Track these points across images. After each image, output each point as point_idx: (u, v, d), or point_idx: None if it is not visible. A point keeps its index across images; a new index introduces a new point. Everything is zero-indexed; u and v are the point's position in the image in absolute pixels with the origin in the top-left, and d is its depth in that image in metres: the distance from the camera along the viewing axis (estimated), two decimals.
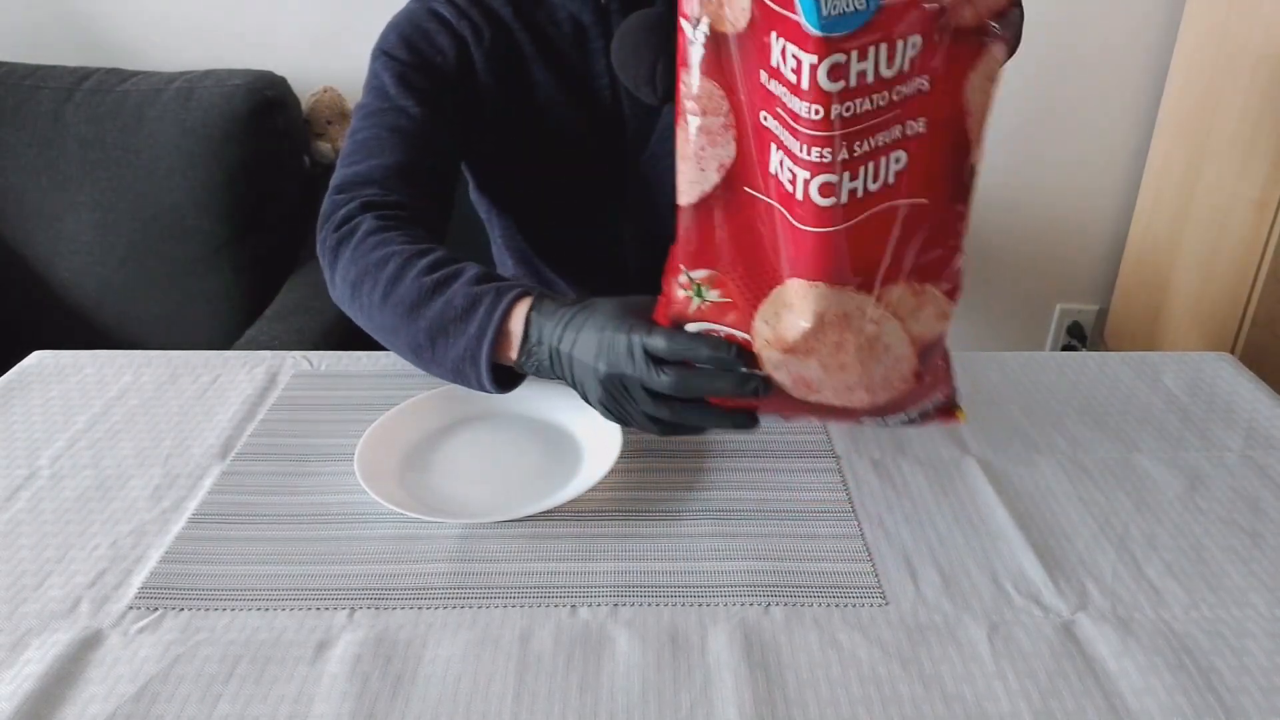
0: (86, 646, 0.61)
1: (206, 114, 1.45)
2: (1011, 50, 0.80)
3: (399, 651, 0.61)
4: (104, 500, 0.74)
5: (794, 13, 0.48)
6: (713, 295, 0.58)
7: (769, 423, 0.83)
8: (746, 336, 0.58)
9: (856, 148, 0.51)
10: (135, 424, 0.84)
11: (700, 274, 0.58)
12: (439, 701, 0.57)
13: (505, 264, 1.10)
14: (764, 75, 0.52)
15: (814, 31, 0.48)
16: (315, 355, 0.95)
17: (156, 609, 0.64)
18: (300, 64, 1.65)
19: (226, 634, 0.62)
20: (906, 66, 0.50)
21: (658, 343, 0.61)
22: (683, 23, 0.54)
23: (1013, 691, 0.58)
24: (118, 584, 0.66)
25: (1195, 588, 0.66)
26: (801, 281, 0.54)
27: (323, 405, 0.87)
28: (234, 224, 1.50)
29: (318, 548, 0.69)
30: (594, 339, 0.64)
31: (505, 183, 1.01)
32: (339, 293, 0.79)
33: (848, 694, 0.58)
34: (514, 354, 0.69)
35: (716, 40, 0.53)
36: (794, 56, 0.49)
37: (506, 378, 0.72)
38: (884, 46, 0.49)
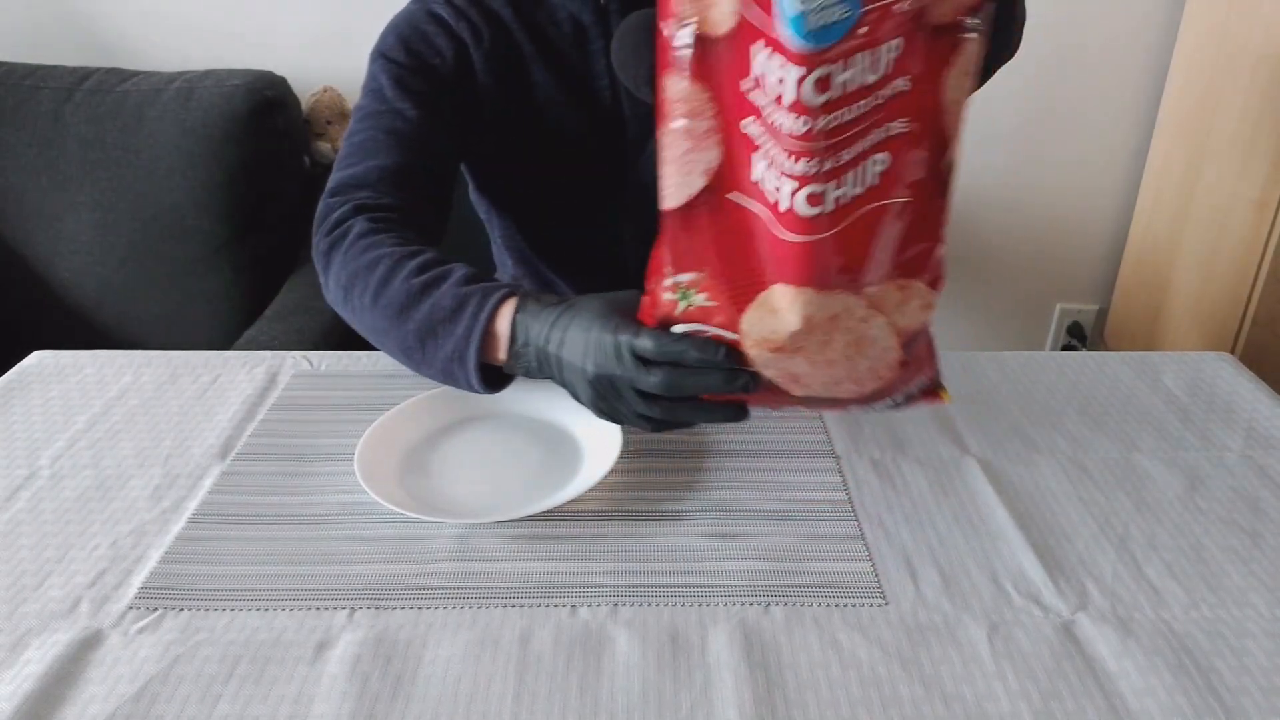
0: (86, 646, 0.61)
1: (206, 114, 1.45)
2: (1012, 51, 0.80)
3: (399, 652, 0.61)
4: (104, 500, 0.74)
5: (778, 25, 0.48)
6: (699, 299, 0.58)
7: (767, 421, 0.83)
8: (735, 337, 0.59)
9: (843, 155, 0.51)
10: (135, 424, 0.84)
11: (686, 277, 0.58)
12: (439, 702, 0.57)
13: (505, 264, 1.10)
14: (745, 84, 0.51)
15: (798, 46, 0.48)
16: (315, 355, 0.95)
17: (156, 609, 0.64)
18: (300, 64, 1.65)
19: (226, 634, 0.62)
20: (888, 70, 0.50)
21: (645, 344, 0.61)
22: (664, 25, 0.53)
23: (1013, 692, 0.58)
24: (118, 584, 0.66)
25: (1195, 588, 0.66)
26: (788, 287, 0.54)
27: (323, 405, 0.87)
28: (234, 224, 1.50)
29: (318, 548, 0.69)
30: (581, 339, 0.64)
31: (505, 183, 1.01)
32: (332, 295, 0.79)
33: (847, 694, 0.58)
34: (502, 354, 0.70)
35: (703, 43, 0.52)
36: (778, 69, 0.49)
37: (496, 378, 0.72)
38: (867, 54, 0.49)
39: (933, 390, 0.64)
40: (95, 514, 0.73)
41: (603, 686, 0.58)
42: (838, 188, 0.51)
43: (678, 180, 0.56)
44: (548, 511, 0.72)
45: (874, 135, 0.51)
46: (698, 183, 0.55)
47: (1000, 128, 1.79)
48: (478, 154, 0.98)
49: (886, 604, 0.65)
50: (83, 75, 1.51)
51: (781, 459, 0.79)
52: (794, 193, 0.51)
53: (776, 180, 0.52)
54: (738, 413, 0.65)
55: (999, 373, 0.93)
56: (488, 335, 0.69)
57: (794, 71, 0.48)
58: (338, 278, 0.77)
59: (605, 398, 0.65)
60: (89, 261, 1.51)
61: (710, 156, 0.55)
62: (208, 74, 1.50)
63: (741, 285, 0.57)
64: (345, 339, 0.79)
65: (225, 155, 1.46)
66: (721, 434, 0.82)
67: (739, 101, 0.52)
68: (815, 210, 0.51)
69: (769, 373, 0.60)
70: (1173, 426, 0.85)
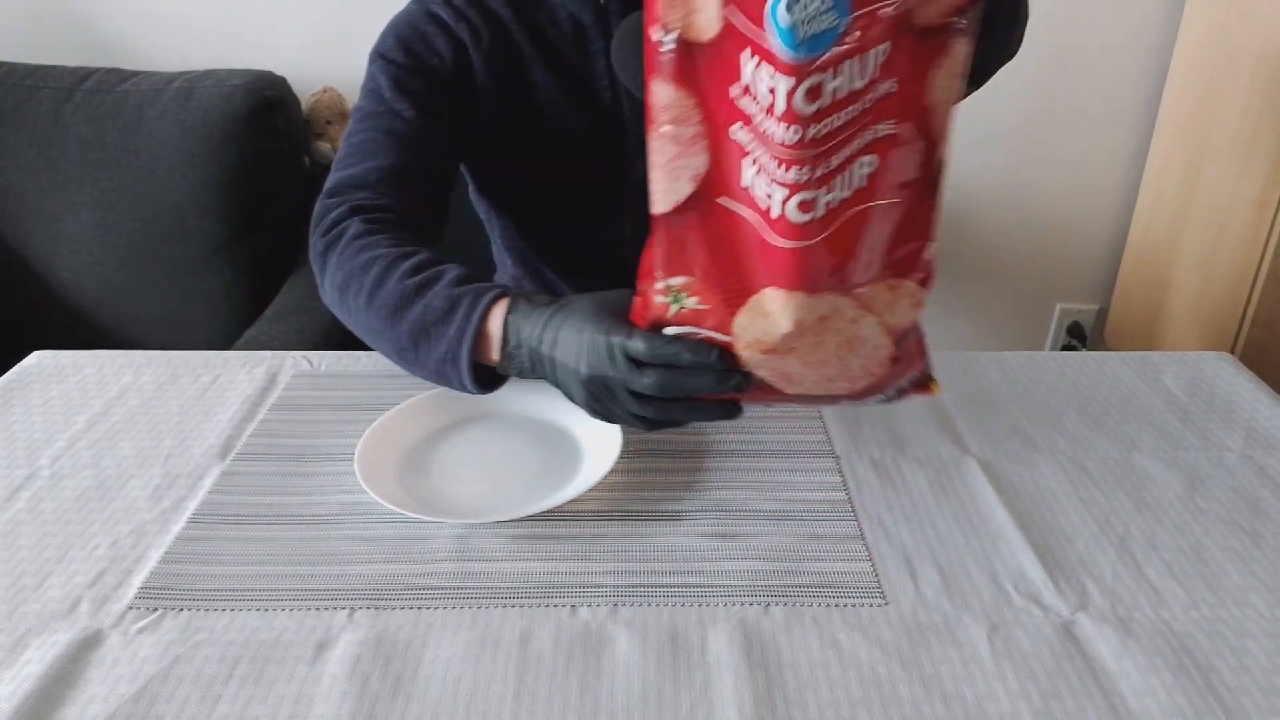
0: (86, 646, 0.61)
1: (206, 114, 1.45)
2: (1013, 52, 0.80)
3: (399, 652, 0.61)
4: (104, 500, 0.74)
5: (768, 37, 0.48)
6: (690, 302, 0.58)
7: (767, 421, 0.83)
8: (727, 339, 0.59)
9: (832, 160, 0.51)
10: (135, 424, 0.84)
11: (677, 281, 0.58)
12: (439, 702, 0.57)
13: (505, 264, 1.10)
14: (733, 91, 0.51)
15: (789, 57, 0.48)
16: (315, 355, 0.95)
17: (156, 609, 0.64)
18: (300, 64, 1.65)
19: (226, 634, 0.62)
20: (875, 73, 0.50)
21: (638, 346, 0.61)
22: (651, 29, 0.53)
23: (1013, 692, 0.58)
24: (118, 584, 0.66)
25: (1195, 588, 0.66)
26: (779, 290, 0.54)
27: (323, 405, 0.87)
28: (234, 224, 1.50)
29: (318, 548, 0.69)
30: (574, 340, 0.64)
31: (505, 183, 1.01)
32: (328, 296, 0.79)
33: (847, 694, 0.58)
34: (495, 355, 0.70)
35: (687, 49, 0.52)
36: (768, 79, 0.49)
37: (489, 379, 0.72)
38: (856, 60, 0.49)
39: (923, 383, 0.64)
40: (95, 514, 0.73)
41: (603, 686, 0.58)
42: (828, 193, 0.51)
43: (666, 186, 0.56)
44: (548, 511, 0.72)
45: (862, 138, 0.51)
46: (686, 188, 0.55)
47: (1000, 128, 1.79)
48: (477, 154, 0.98)
49: (886, 604, 0.65)
50: (83, 75, 1.51)
51: (781, 459, 0.79)
52: (785, 200, 0.51)
53: (767, 187, 0.52)
54: (731, 411, 0.65)
55: (999, 373, 0.93)
56: (480, 336, 0.69)
57: (785, 82, 0.48)
58: (333, 279, 0.77)
59: (599, 398, 0.65)
60: (89, 261, 1.51)
61: (698, 163, 0.55)
62: (208, 74, 1.50)
63: (733, 288, 0.57)
64: (345, 339, 0.79)
65: (225, 155, 1.46)
66: (721, 434, 0.82)
67: (727, 107, 0.52)
68: (807, 217, 0.52)
69: (762, 373, 0.60)
70: (1173, 426, 0.85)
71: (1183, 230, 1.66)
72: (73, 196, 1.49)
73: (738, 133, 0.52)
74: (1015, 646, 0.61)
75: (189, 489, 0.76)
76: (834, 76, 0.49)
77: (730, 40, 0.50)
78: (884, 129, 0.52)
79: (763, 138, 0.51)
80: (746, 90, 0.51)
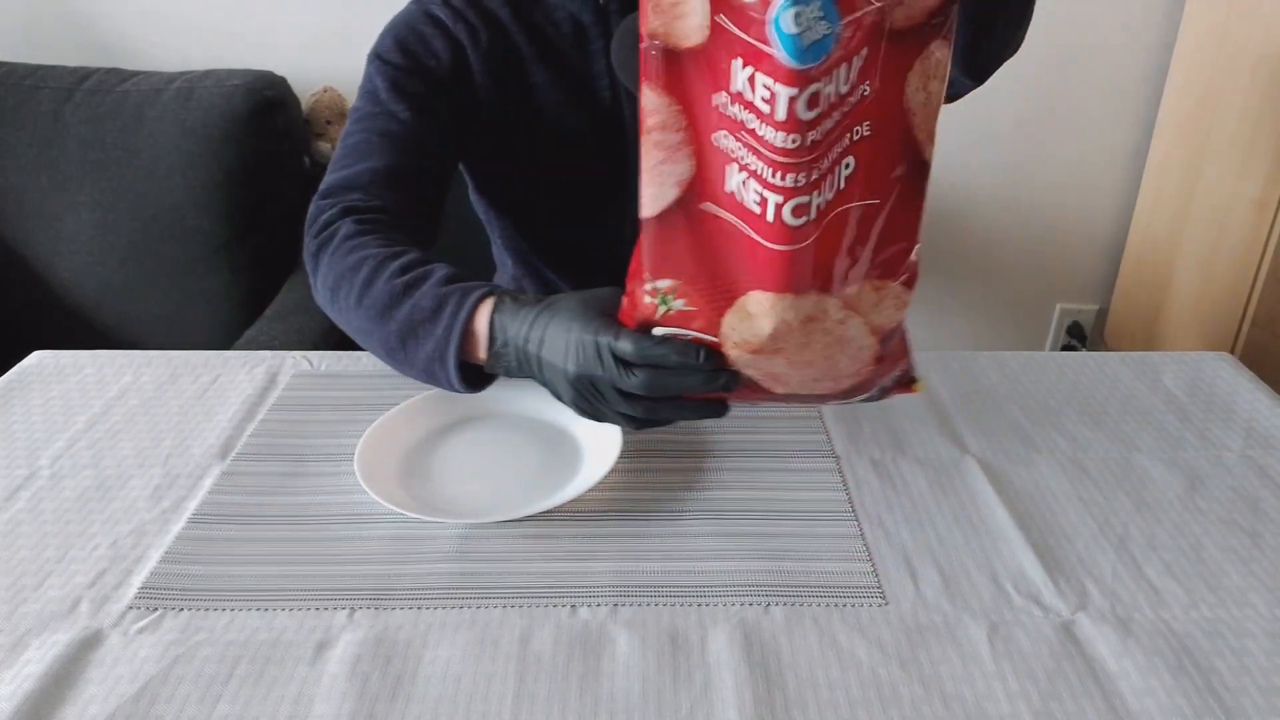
0: (86, 646, 0.61)
1: (206, 114, 1.45)
2: (1014, 49, 0.80)
3: (399, 651, 0.61)
4: (104, 500, 0.74)
5: (769, 45, 0.48)
6: (678, 304, 0.59)
7: (767, 421, 0.83)
8: (715, 340, 0.59)
9: (822, 164, 0.51)
10: (135, 424, 0.84)
11: (664, 284, 0.58)
12: (439, 702, 0.57)
13: (505, 264, 1.10)
14: (721, 99, 0.52)
15: (793, 65, 0.48)
16: (315, 355, 0.95)
17: (156, 609, 0.64)
18: (300, 64, 1.65)
19: (226, 634, 0.62)
20: (855, 77, 0.50)
21: (625, 347, 0.61)
22: (642, 34, 0.53)
23: (1012, 692, 0.58)
24: (118, 584, 0.66)
25: (1195, 588, 0.66)
26: (765, 294, 0.55)
27: (323, 405, 0.87)
28: (234, 224, 1.50)
29: (318, 548, 0.69)
30: (561, 340, 0.64)
31: (505, 184, 1.01)
32: (321, 297, 0.79)
33: (847, 695, 0.58)
34: (482, 354, 0.70)
35: (671, 55, 0.52)
36: (766, 87, 0.49)
37: (477, 378, 0.72)
38: (845, 64, 0.49)
39: (906, 382, 0.65)
40: (95, 514, 0.73)
41: (603, 686, 0.58)
42: (819, 196, 0.52)
43: (652, 191, 0.56)
44: (548, 511, 0.72)
45: (843, 142, 0.52)
46: (671, 194, 0.56)
47: (1000, 127, 1.79)
48: (476, 155, 0.98)
49: (886, 604, 0.65)
50: (83, 75, 1.51)
51: (781, 459, 0.79)
52: (780, 205, 0.52)
53: (758, 193, 0.52)
54: (718, 410, 0.66)
55: (999, 373, 0.93)
56: (467, 335, 0.69)
57: (786, 90, 0.49)
58: (325, 279, 0.77)
59: (586, 397, 0.65)
60: (89, 261, 1.51)
61: (682, 169, 0.55)
62: (208, 74, 1.50)
63: (720, 290, 0.57)
64: (345, 339, 0.80)
65: (225, 155, 1.46)
66: (721, 434, 0.82)
67: (711, 115, 0.53)
68: (801, 220, 0.52)
69: (749, 372, 0.61)
70: (1172, 426, 0.85)
71: (1183, 230, 1.66)
72: (73, 196, 1.49)
73: (722, 140, 0.53)
74: (1015, 647, 0.61)
75: (189, 489, 0.76)
76: (828, 83, 0.49)
77: (718, 48, 0.51)
78: (861, 131, 0.52)
79: (752, 146, 0.51)
80: (738, 99, 0.51)
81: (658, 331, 0.61)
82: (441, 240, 0.91)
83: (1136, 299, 1.83)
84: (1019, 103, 1.76)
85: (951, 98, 0.77)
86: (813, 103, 0.49)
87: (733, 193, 0.54)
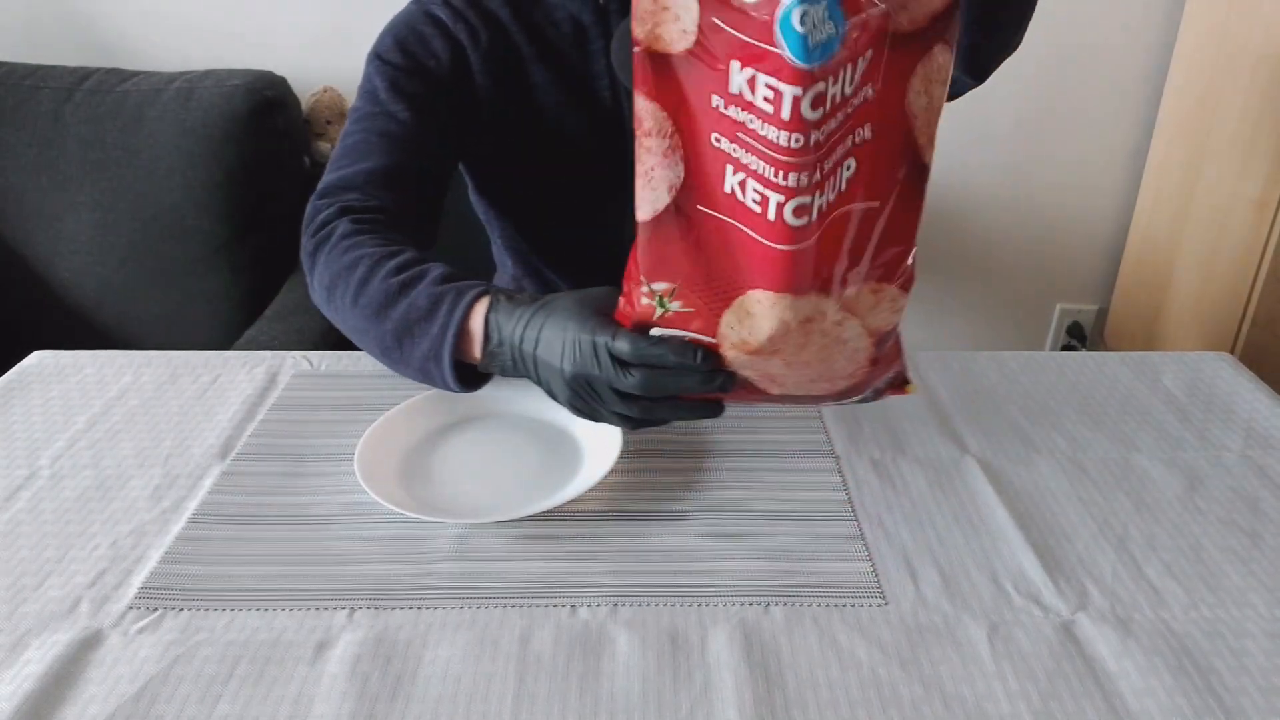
0: (86, 646, 0.61)
1: (206, 114, 1.45)
2: (1013, 48, 0.80)
3: (399, 651, 0.61)
4: (104, 500, 0.74)
5: (775, 46, 0.48)
6: (675, 305, 0.59)
7: (767, 421, 0.83)
8: (713, 340, 0.59)
9: (825, 165, 0.51)
10: (135, 424, 0.84)
11: (660, 286, 0.59)
12: (439, 702, 0.57)
13: (505, 265, 1.10)
14: (719, 101, 0.52)
15: (800, 65, 0.48)
16: (315, 355, 0.95)
17: (156, 609, 0.64)
18: (300, 64, 1.65)
19: (226, 634, 0.62)
20: (859, 79, 0.50)
21: (623, 346, 0.61)
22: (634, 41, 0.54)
23: (1012, 692, 0.58)
24: (118, 584, 0.66)
25: (1195, 588, 0.66)
26: (766, 293, 0.55)
27: (323, 405, 0.87)
28: (234, 224, 1.50)
29: (318, 548, 0.69)
30: (557, 339, 0.64)
31: (505, 184, 1.01)
32: (317, 296, 0.79)
33: (847, 695, 0.58)
34: (477, 353, 0.70)
35: (659, 60, 0.52)
36: (769, 87, 0.49)
37: (472, 377, 0.72)
38: (849, 66, 0.49)
39: (899, 384, 0.65)
40: (95, 514, 0.73)
41: (603, 686, 0.58)
42: (820, 197, 0.52)
43: (646, 194, 0.56)
44: (548, 511, 0.72)
45: (846, 143, 0.52)
46: (664, 198, 0.56)
47: (1000, 127, 1.79)
48: (476, 155, 0.98)
49: (886, 604, 0.65)
50: (83, 75, 1.51)
51: (781, 459, 0.79)
52: (782, 205, 0.52)
53: (758, 193, 0.52)
54: (714, 410, 0.66)
55: (999, 373, 0.93)
56: (462, 334, 0.69)
57: (791, 90, 0.49)
58: (321, 278, 0.78)
59: (583, 397, 0.65)
60: (89, 261, 1.51)
61: (673, 174, 0.55)
62: (208, 74, 1.50)
63: (717, 292, 0.57)
64: (345, 339, 0.80)
65: (225, 155, 1.46)
66: (721, 434, 0.82)
67: (708, 117, 0.53)
68: (802, 221, 0.52)
69: (746, 373, 0.61)
70: (1172, 426, 0.85)
71: (1183, 230, 1.66)
72: (73, 196, 1.49)
73: (721, 142, 0.53)
74: (1015, 647, 0.61)
75: (189, 489, 0.76)
76: (834, 84, 0.49)
77: (711, 51, 0.51)
78: (862, 134, 0.52)
79: (753, 147, 0.51)
80: (737, 100, 0.51)
81: (655, 332, 0.61)
82: (441, 240, 0.91)
83: (1136, 299, 1.83)
84: (1019, 103, 1.76)
85: (952, 96, 0.77)
86: (817, 103, 0.49)
87: (731, 193, 0.54)
